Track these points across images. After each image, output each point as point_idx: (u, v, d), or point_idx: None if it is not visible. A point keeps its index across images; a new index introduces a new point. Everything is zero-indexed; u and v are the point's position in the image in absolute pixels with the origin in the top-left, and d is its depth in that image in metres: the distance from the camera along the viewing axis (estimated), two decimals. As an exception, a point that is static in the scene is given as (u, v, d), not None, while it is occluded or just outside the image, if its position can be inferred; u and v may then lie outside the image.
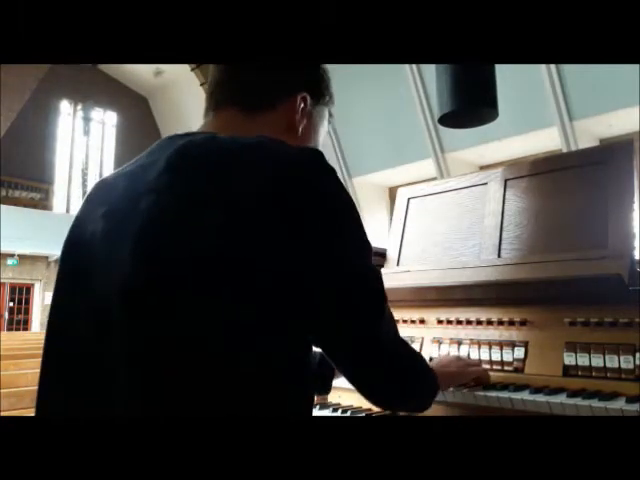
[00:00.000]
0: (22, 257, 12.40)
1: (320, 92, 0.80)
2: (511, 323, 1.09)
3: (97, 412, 0.57)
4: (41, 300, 13.06)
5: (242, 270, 0.56)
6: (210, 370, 0.55)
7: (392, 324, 0.72)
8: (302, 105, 0.76)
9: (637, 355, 0.91)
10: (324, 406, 1.19)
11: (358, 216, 0.67)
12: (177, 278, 0.56)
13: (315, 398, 1.24)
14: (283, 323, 0.59)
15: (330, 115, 0.85)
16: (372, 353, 0.67)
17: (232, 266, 0.56)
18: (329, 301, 0.62)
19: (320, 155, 0.64)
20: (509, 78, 5.08)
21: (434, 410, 1.03)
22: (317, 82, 0.79)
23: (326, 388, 1.02)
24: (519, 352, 1.05)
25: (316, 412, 1.16)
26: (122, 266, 0.59)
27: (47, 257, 12.82)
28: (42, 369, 0.66)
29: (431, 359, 1.11)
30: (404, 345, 0.75)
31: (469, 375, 1.01)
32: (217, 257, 0.56)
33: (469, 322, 1.15)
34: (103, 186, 0.73)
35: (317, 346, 0.68)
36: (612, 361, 0.93)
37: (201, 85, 11.45)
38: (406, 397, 0.76)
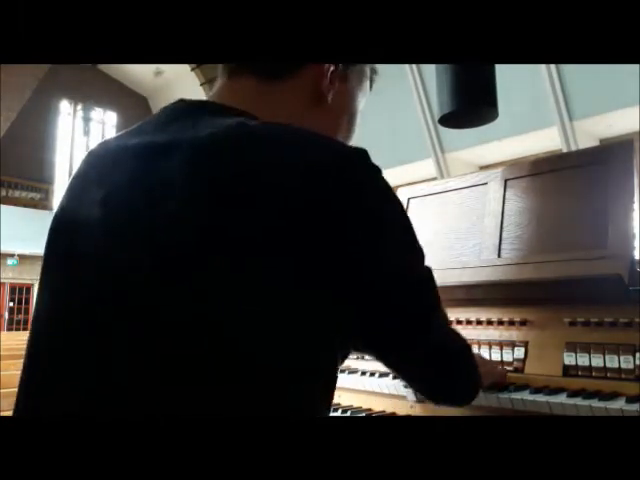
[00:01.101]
0: (22, 257, 12.40)
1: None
2: (511, 323, 1.09)
3: (99, 410, 0.54)
4: (41, 300, 13.03)
5: (287, 275, 0.52)
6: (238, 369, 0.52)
7: (444, 323, 0.70)
8: (332, 67, 0.65)
9: (637, 355, 0.91)
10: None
11: (406, 218, 0.61)
12: (212, 292, 0.51)
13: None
14: (325, 330, 0.55)
15: (374, 73, 0.73)
16: (422, 353, 0.66)
17: (279, 265, 0.51)
18: (377, 304, 0.58)
19: (365, 155, 0.57)
20: (509, 78, 5.08)
21: (434, 410, 1.03)
22: None
23: None
24: (519, 352, 1.05)
25: (316, 412, 1.16)
26: (134, 267, 0.53)
27: (47, 257, 12.79)
28: (27, 363, 0.59)
29: None
30: (454, 341, 0.73)
31: (496, 376, 1.00)
32: (263, 257, 0.51)
33: (469, 322, 1.15)
34: (99, 159, 0.62)
35: (366, 350, 0.66)
36: (612, 361, 0.93)
37: (201, 85, 11.46)
38: (453, 394, 0.78)
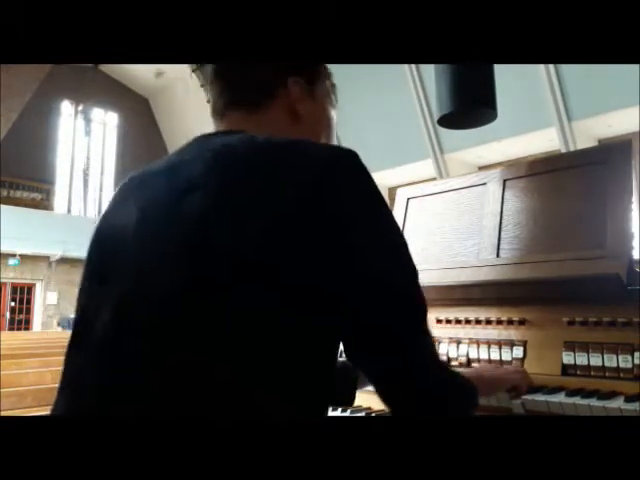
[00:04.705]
0: (23, 257, 12.41)
1: (311, 68, 0.77)
2: (510, 322, 1.09)
3: (109, 409, 0.57)
4: (42, 300, 13.07)
5: (282, 276, 0.56)
6: (241, 373, 0.55)
7: (430, 342, 0.67)
8: (298, 88, 0.75)
9: (635, 354, 0.91)
10: (323, 405, 1.20)
11: (394, 219, 0.66)
12: (218, 280, 0.56)
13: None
14: (318, 330, 0.59)
15: (333, 86, 0.83)
16: (406, 367, 0.63)
17: (272, 272, 0.56)
18: (366, 311, 0.60)
19: (354, 156, 0.63)
20: (508, 79, 5.08)
21: (433, 409, 1.03)
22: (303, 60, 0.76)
23: (349, 399, 1.02)
24: (518, 351, 1.06)
25: (315, 411, 1.17)
26: (160, 263, 0.59)
27: (48, 257, 12.82)
28: (67, 360, 0.65)
29: (469, 361, 1.10)
30: (439, 363, 0.70)
31: (510, 382, 0.95)
32: (257, 262, 0.56)
33: (468, 321, 1.16)
34: (133, 184, 0.71)
35: (351, 359, 0.65)
36: (611, 360, 0.94)
37: (202, 86, 11.46)
38: (442, 412, 0.68)
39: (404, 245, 0.65)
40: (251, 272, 0.56)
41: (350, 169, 0.62)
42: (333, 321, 0.60)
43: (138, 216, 0.64)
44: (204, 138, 0.70)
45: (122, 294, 0.60)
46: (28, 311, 13.11)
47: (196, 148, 0.68)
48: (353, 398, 1.02)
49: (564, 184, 1.15)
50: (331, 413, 1.14)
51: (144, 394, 0.56)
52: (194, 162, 0.64)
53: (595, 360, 0.95)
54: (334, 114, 0.83)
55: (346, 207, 0.60)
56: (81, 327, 0.65)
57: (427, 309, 0.66)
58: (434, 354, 0.68)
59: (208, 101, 0.78)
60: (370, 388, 1.12)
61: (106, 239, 0.68)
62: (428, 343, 0.66)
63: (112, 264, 0.63)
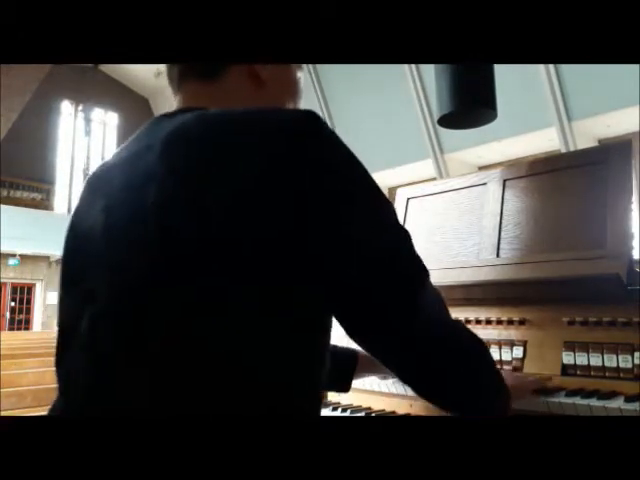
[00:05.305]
0: (23, 257, 12.42)
1: None
2: (510, 322, 1.10)
3: (95, 408, 0.57)
4: (42, 300, 13.08)
5: (253, 252, 0.53)
6: (219, 359, 0.54)
7: (436, 305, 0.63)
8: None
9: (636, 354, 0.91)
10: (324, 405, 1.20)
11: (368, 178, 0.60)
12: (188, 265, 0.54)
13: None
14: (296, 310, 0.56)
15: None
16: (408, 338, 0.59)
17: (241, 250, 0.53)
18: (352, 283, 0.56)
19: (314, 118, 0.58)
20: (508, 79, 5.08)
21: (433, 410, 1.03)
22: None
23: (345, 385, 1.00)
24: (518, 351, 1.06)
25: (315, 411, 1.17)
26: (129, 259, 0.57)
27: (48, 257, 12.84)
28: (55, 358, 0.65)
29: None
30: (454, 329, 0.65)
31: (528, 388, 0.92)
32: (224, 242, 0.53)
33: (468, 321, 1.16)
34: (97, 179, 0.69)
35: (352, 338, 0.61)
36: (611, 360, 0.94)
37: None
38: (444, 391, 0.65)
39: (386, 203, 0.60)
40: (220, 253, 0.53)
41: (311, 135, 0.57)
42: (316, 293, 0.56)
43: (104, 213, 0.62)
44: (158, 121, 0.67)
45: (96, 293, 0.59)
46: (28, 311, 13.12)
47: (152, 132, 0.64)
48: (349, 385, 1.01)
49: (564, 184, 1.15)
50: (331, 413, 1.14)
51: (127, 391, 0.55)
52: (149, 150, 0.61)
53: (595, 360, 0.95)
54: (300, 75, 0.77)
55: (314, 175, 0.55)
56: (64, 332, 0.65)
57: (424, 267, 0.61)
58: (433, 317, 0.62)
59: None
60: (370, 387, 1.12)
61: (77, 240, 0.66)
62: (426, 304, 0.60)
63: (85, 265, 0.62)
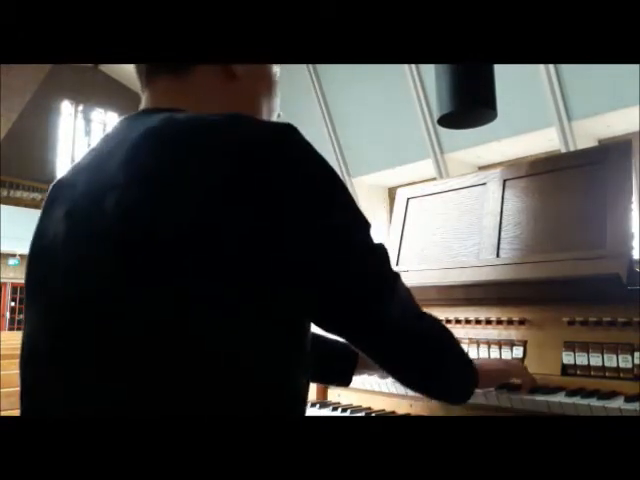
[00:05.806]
0: (23, 257, 12.41)
1: None
2: (510, 322, 1.10)
3: (71, 411, 0.56)
4: (42, 300, 13.05)
5: (229, 253, 0.53)
6: (193, 360, 0.53)
7: (407, 300, 0.68)
8: None
9: (635, 354, 0.91)
10: (324, 405, 1.20)
11: (345, 190, 0.62)
12: (150, 271, 0.53)
13: (311, 396, 1.23)
14: (271, 310, 0.57)
15: None
16: (383, 333, 0.64)
17: (215, 250, 0.53)
18: (327, 285, 0.59)
19: (291, 131, 0.59)
20: (508, 79, 5.08)
21: (433, 409, 1.03)
22: None
23: (346, 379, 1.01)
24: (518, 351, 1.06)
25: (316, 411, 1.17)
26: (89, 267, 0.56)
27: (48, 257, 12.82)
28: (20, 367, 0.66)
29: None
30: (427, 322, 0.72)
31: (510, 375, 0.95)
32: (198, 241, 0.53)
33: (468, 321, 1.16)
34: (61, 185, 0.68)
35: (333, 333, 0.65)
36: (610, 360, 0.94)
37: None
38: (433, 379, 0.73)
39: (350, 202, 0.62)
40: (192, 255, 0.53)
41: (286, 146, 0.58)
42: (294, 294, 0.57)
43: (65, 221, 0.61)
44: (125, 123, 0.65)
45: (55, 306, 0.59)
46: (28, 311, 13.10)
47: (120, 134, 0.63)
48: (350, 379, 1.02)
49: (564, 184, 1.15)
50: (331, 413, 1.14)
51: (100, 403, 0.54)
52: (115, 154, 0.60)
53: (595, 360, 0.95)
54: (277, 70, 0.76)
55: (283, 184, 0.56)
56: (27, 345, 0.65)
57: (386, 254, 0.64)
58: (406, 310, 0.67)
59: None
60: (370, 387, 1.12)
61: (40, 248, 0.65)
62: (399, 298, 0.65)
63: (47, 274, 0.61)
